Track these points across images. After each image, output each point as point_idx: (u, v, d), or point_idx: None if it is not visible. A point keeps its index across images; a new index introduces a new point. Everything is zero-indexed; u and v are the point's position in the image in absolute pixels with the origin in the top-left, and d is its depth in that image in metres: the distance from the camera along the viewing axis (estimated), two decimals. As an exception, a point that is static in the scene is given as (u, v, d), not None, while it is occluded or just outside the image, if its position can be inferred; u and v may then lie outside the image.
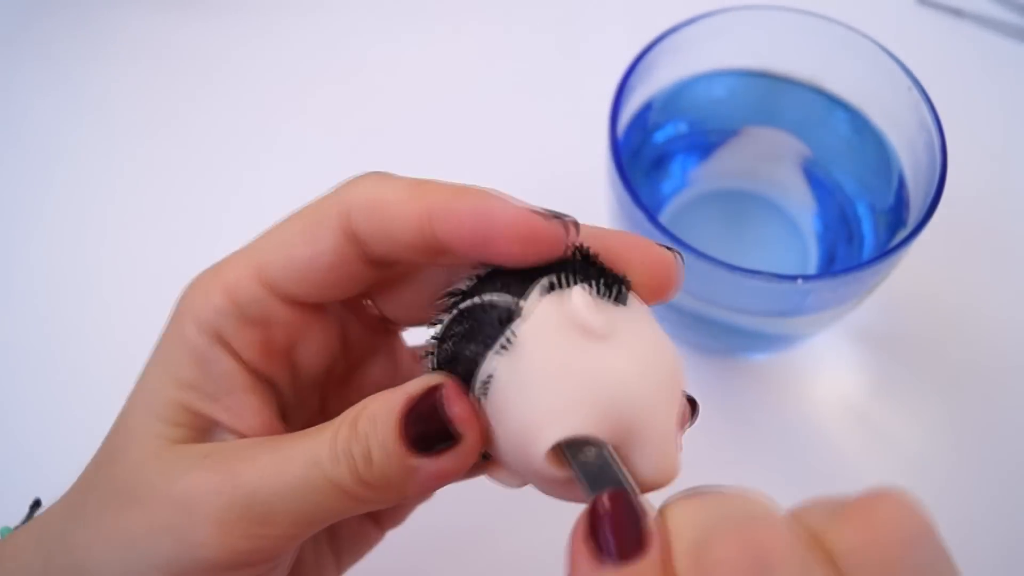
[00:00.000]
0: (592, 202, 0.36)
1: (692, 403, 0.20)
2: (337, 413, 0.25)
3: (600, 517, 0.16)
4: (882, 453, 0.36)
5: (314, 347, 0.22)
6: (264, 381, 0.22)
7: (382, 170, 0.21)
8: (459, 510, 0.30)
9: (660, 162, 0.38)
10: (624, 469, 0.17)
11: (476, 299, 0.18)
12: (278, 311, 0.21)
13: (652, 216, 0.29)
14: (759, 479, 0.35)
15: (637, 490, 0.17)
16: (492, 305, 0.18)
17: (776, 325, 0.34)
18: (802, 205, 0.38)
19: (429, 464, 0.18)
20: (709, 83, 0.36)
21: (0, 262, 0.42)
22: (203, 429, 0.20)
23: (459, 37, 0.49)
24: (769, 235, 0.38)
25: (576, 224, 0.19)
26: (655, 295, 0.19)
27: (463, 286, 0.19)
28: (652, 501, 0.17)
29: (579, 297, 0.17)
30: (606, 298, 0.18)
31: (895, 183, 0.34)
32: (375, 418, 0.18)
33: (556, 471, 0.17)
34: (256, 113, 0.46)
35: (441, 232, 0.18)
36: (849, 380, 0.38)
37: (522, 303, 0.17)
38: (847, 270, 0.29)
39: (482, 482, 0.22)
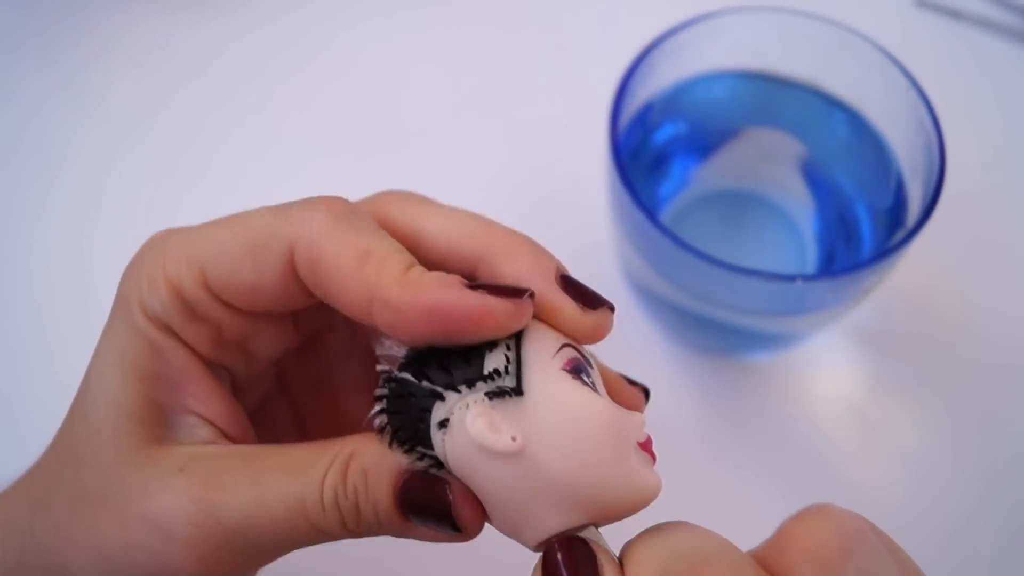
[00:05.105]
0: (592, 203, 0.37)
1: (645, 392, 0.21)
2: (295, 385, 0.25)
3: (553, 566, 0.16)
4: (881, 452, 0.36)
5: (267, 338, 0.22)
6: (218, 366, 0.21)
7: (338, 196, 0.20)
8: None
9: (660, 163, 0.38)
10: (602, 541, 0.17)
11: (407, 376, 0.18)
12: (224, 314, 0.20)
13: (652, 216, 0.29)
14: (758, 479, 0.35)
15: (612, 554, 0.17)
16: (416, 396, 0.17)
17: (775, 325, 0.34)
18: (801, 205, 0.38)
19: (426, 530, 0.18)
20: (709, 84, 0.36)
21: (1, 262, 0.42)
22: (170, 420, 0.20)
23: (459, 37, 0.49)
24: (768, 235, 0.38)
25: (532, 296, 0.18)
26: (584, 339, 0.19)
27: (398, 352, 0.18)
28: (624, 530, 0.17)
29: (476, 427, 0.16)
30: (507, 396, 0.17)
31: (894, 183, 0.34)
32: (366, 475, 0.18)
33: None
34: (258, 115, 0.46)
35: (382, 321, 0.18)
36: (848, 380, 0.38)
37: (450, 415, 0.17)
38: (846, 270, 0.29)
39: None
